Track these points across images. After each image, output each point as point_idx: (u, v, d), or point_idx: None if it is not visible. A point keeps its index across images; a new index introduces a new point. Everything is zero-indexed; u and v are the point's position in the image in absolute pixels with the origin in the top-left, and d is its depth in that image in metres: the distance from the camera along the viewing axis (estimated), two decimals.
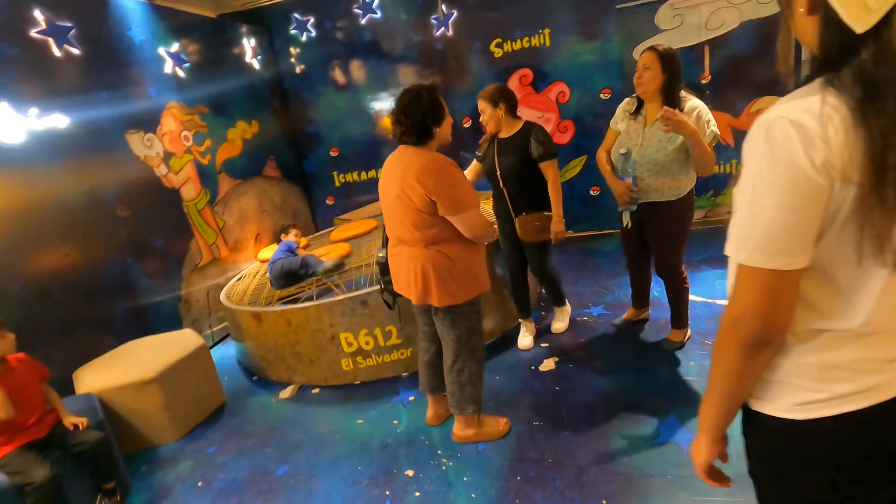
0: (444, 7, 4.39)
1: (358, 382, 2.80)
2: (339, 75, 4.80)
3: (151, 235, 3.23)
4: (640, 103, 2.28)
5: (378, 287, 2.32)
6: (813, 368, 0.75)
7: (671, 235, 2.37)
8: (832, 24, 0.64)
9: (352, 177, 5.10)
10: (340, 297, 2.66)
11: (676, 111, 2.00)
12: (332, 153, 5.05)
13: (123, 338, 2.81)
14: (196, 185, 3.64)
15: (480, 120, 2.57)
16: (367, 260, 3.30)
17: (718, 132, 2.15)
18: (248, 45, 4.45)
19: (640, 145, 2.25)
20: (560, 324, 2.98)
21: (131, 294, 3.02)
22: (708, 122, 2.12)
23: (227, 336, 3.81)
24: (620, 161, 2.29)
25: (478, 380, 2.09)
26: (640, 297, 2.84)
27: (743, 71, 4.23)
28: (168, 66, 3.51)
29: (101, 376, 2.43)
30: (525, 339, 2.87)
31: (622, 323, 2.90)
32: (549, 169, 2.47)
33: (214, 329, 3.73)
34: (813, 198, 0.65)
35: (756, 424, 0.84)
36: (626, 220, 2.41)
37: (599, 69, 4.28)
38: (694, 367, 2.43)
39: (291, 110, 4.98)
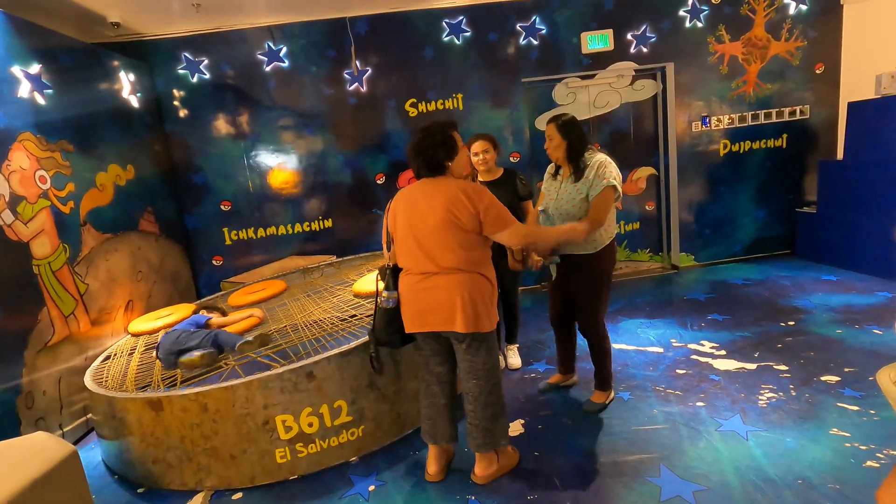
0: (358, 63, 4.32)
1: (296, 476, 2.26)
2: (235, 123, 4.34)
3: None
4: (557, 165, 2.47)
5: (366, 343, 2.25)
6: None
7: (590, 289, 2.41)
8: None
9: (246, 234, 4.51)
10: (280, 369, 2.17)
11: (536, 261, 2.43)
12: (223, 207, 4.43)
13: None
14: (52, 238, 2.83)
15: (482, 158, 2.86)
16: (292, 323, 2.82)
17: (614, 182, 2.22)
18: (127, 79, 3.81)
19: (556, 199, 2.39)
20: (517, 359, 3.19)
21: None
22: (602, 174, 2.22)
23: (85, 435, 2.88)
24: (541, 217, 2.46)
25: (505, 409, 2.09)
26: (567, 362, 2.79)
27: (624, 144, 4.85)
28: (24, 90, 2.78)
29: None
30: (514, 359, 3.18)
31: (547, 387, 2.81)
32: (528, 205, 2.89)
33: (67, 428, 2.79)
34: None
35: None
36: (554, 272, 2.51)
37: (509, 135, 4.54)
38: (659, 415, 2.44)
39: (175, 156, 4.31)
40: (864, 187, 4.11)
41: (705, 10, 4.50)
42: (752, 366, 2.82)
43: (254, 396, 2.14)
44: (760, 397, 2.49)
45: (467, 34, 4.35)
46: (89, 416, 2.91)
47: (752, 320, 3.46)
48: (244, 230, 4.50)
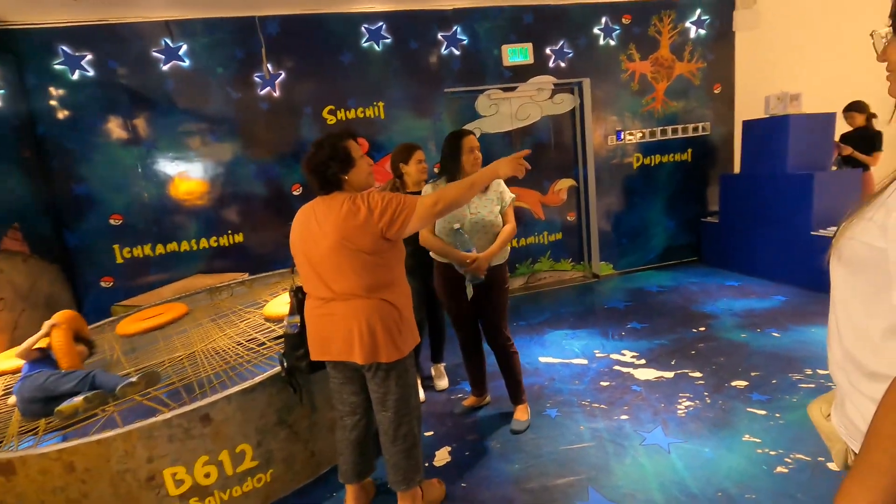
0: (269, 67, 4.02)
1: None
2: (127, 127, 3.86)
3: None
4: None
5: (279, 370, 2.04)
6: None
7: (500, 299, 2.43)
8: None
9: (142, 251, 4.02)
10: (168, 413, 1.86)
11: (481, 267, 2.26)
12: (112, 221, 3.92)
13: None
14: None
15: (423, 167, 2.76)
16: (190, 353, 2.49)
17: (514, 196, 2.42)
18: None
19: (471, 215, 2.30)
20: (444, 380, 3.08)
21: None
22: (504, 188, 2.40)
23: None
24: (455, 236, 2.29)
25: (419, 441, 1.91)
26: (481, 383, 2.74)
27: (545, 156, 4.93)
28: None
29: None
30: (442, 380, 3.07)
31: (464, 410, 2.73)
32: None
33: None
34: None
35: None
36: (471, 291, 2.37)
37: (433, 146, 4.43)
38: (586, 432, 2.41)
39: (49, 164, 3.74)
40: (757, 198, 4.46)
41: (617, 30, 4.70)
42: (670, 374, 2.89)
43: (134, 449, 1.81)
44: (679, 406, 2.54)
45: (387, 41, 4.21)
46: None
47: (667, 327, 3.59)
48: (139, 247, 4.01)
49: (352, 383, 1.88)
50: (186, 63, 3.88)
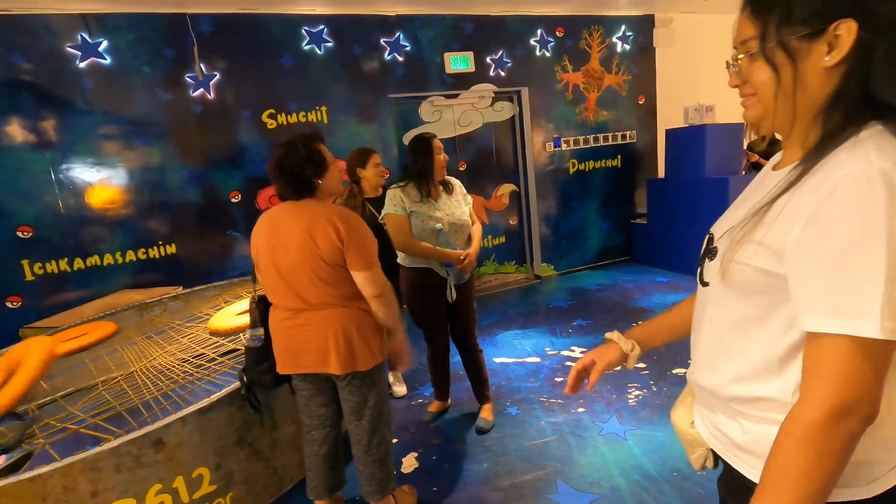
0: (203, 67, 3.79)
1: None
2: (37, 129, 3.48)
3: None
4: (427, 188, 2.31)
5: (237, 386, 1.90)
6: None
7: (473, 302, 2.50)
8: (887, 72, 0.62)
9: (57, 266, 3.62)
10: (115, 441, 1.69)
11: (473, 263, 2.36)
12: (20, 233, 3.50)
13: None
14: None
15: (381, 171, 2.77)
16: (127, 374, 2.28)
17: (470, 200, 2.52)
18: None
19: (448, 215, 2.33)
20: (402, 387, 3.06)
21: None
22: (463, 190, 2.49)
23: None
24: (437, 237, 2.30)
25: (391, 448, 1.89)
26: (447, 388, 2.75)
27: (487, 162, 5.06)
28: None
29: None
30: (399, 387, 3.04)
31: (432, 417, 2.72)
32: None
33: None
34: None
35: None
36: (453, 293, 2.38)
37: (379, 151, 4.38)
38: (547, 427, 2.49)
39: None
40: (680, 200, 4.85)
41: (552, 42, 4.94)
42: (618, 366, 3.05)
43: (76, 484, 1.63)
44: (629, 396, 2.70)
45: (329, 44, 4.13)
46: None
47: (609, 322, 3.80)
48: (53, 261, 3.61)
49: (322, 394, 1.82)
50: (107, 60, 3.57)
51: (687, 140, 4.76)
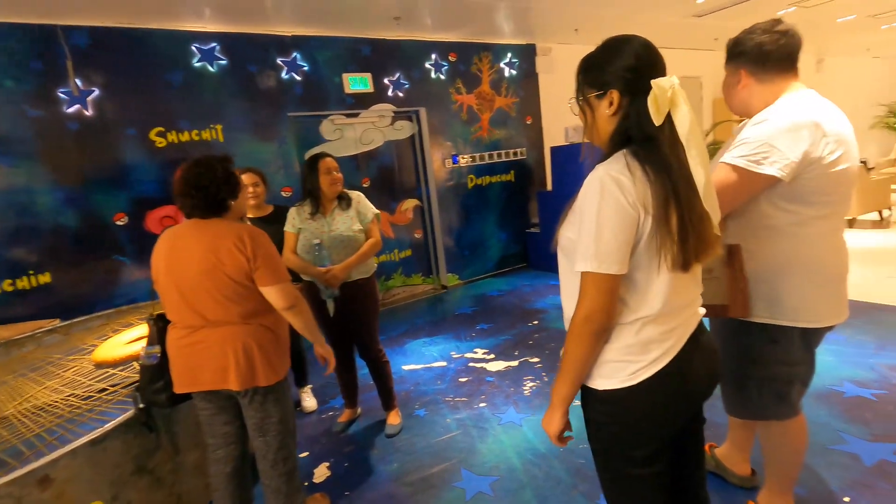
0: (78, 82, 3.55)
1: None
2: None
3: None
4: (317, 205, 2.46)
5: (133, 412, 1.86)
6: (637, 346, 1.04)
7: (370, 312, 2.58)
8: (636, 120, 1.01)
9: None
10: None
11: (338, 277, 2.38)
12: None
13: None
14: None
15: (252, 192, 2.74)
16: (2, 416, 2.08)
17: (377, 211, 2.61)
18: None
19: (330, 231, 2.44)
20: (312, 401, 3.09)
21: None
22: (367, 205, 2.57)
23: None
24: (314, 251, 2.41)
25: (297, 463, 1.91)
26: (354, 396, 2.86)
27: (390, 179, 5.24)
28: None
29: None
30: (309, 401, 3.07)
31: (343, 427, 2.79)
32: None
33: None
34: (631, 224, 0.97)
35: (596, 399, 1.11)
36: (332, 307, 2.49)
37: (279, 169, 4.38)
38: (452, 423, 2.68)
39: None
40: None
41: (445, 66, 5.27)
42: (515, 363, 3.35)
43: None
44: (525, 388, 2.98)
45: (223, 62, 4.06)
46: None
47: (509, 324, 4.12)
48: None
49: (225, 412, 1.82)
50: None
51: (567, 156, 5.31)
